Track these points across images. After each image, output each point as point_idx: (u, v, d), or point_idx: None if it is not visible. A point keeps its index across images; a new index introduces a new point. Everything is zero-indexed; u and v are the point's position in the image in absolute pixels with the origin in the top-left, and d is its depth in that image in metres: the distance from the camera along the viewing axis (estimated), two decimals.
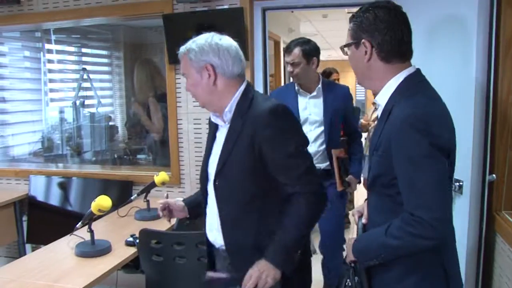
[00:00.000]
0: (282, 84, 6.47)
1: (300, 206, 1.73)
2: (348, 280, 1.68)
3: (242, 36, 3.30)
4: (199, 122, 3.62)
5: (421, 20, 2.45)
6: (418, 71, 1.59)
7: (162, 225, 2.95)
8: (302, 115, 3.15)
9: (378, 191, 1.61)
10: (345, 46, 1.63)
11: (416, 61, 1.62)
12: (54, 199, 4.11)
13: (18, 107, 5.12)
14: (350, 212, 1.83)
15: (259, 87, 3.50)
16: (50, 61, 5.03)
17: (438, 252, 1.49)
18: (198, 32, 3.38)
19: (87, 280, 2.13)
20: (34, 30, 4.69)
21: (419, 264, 1.50)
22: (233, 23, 3.29)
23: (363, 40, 1.54)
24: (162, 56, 3.87)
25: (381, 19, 1.52)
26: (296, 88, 3.19)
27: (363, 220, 1.71)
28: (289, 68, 3.17)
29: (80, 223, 2.57)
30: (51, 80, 5.20)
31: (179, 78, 3.62)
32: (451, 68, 2.38)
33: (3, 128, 5.04)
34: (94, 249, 2.47)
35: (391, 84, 1.55)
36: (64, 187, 4.12)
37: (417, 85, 1.54)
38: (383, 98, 1.58)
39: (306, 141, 1.84)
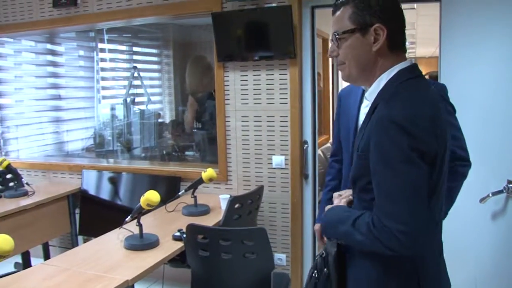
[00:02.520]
0: (331, 83, 6.42)
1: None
2: (315, 271, 1.55)
3: (290, 34, 3.30)
4: (247, 120, 3.64)
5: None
6: (413, 66, 1.42)
7: (209, 220, 3.00)
8: None
9: (357, 195, 1.46)
10: (346, 32, 1.40)
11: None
12: (105, 193, 4.24)
13: (72, 104, 5.31)
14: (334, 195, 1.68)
15: (306, 86, 3.50)
16: (102, 60, 5.18)
17: (414, 265, 1.35)
18: (247, 30, 3.46)
19: (135, 272, 2.19)
20: (88, 30, 4.84)
21: (396, 272, 1.37)
22: (281, 21, 3.30)
23: (375, 26, 1.36)
24: (211, 54, 3.91)
25: (391, 2, 1.39)
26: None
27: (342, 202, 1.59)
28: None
29: (129, 217, 2.65)
30: (103, 78, 5.36)
31: (228, 76, 3.66)
32: None
33: (58, 124, 5.23)
34: (142, 243, 2.54)
35: (383, 78, 1.40)
36: (114, 181, 4.25)
37: (408, 81, 1.37)
38: (373, 94, 1.42)
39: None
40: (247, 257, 2.33)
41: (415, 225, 1.25)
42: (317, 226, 1.64)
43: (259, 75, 3.55)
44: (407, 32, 1.48)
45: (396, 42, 1.39)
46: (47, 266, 2.37)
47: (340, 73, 1.54)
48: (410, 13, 6.33)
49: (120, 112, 5.32)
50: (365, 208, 1.38)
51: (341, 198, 1.59)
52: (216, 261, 2.39)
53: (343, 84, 5.55)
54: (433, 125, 1.29)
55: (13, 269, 4.15)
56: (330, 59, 6.24)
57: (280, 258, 3.64)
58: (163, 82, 5.61)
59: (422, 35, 8.91)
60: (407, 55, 1.46)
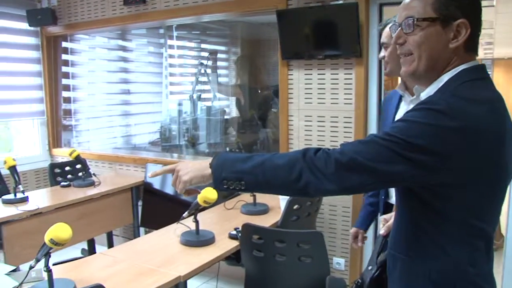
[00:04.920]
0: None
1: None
2: None
3: (356, 32, 3.20)
4: (310, 119, 3.57)
5: None
6: (479, 67, 1.24)
7: (267, 220, 2.97)
8: None
9: (400, 201, 1.32)
10: (426, 19, 1.21)
11: None
12: (167, 187, 4.30)
13: (140, 98, 5.45)
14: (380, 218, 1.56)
15: (372, 86, 3.38)
16: (171, 56, 5.27)
17: None
18: (312, 28, 3.39)
19: (189, 268, 2.20)
20: (158, 27, 4.95)
21: None
22: (347, 19, 3.21)
23: (460, 21, 1.19)
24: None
25: None
26: (401, 92, 2.14)
27: (382, 231, 1.50)
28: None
29: (186, 212, 2.65)
30: (171, 74, 5.46)
31: (292, 74, 3.61)
32: None
33: (127, 118, 5.39)
34: (198, 239, 2.54)
35: (444, 78, 1.23)
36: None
37: (471, 83, 1.19)
38: (428, 95, 1.25)
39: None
40: (302, 261, 2.27)
41: (349, 174, 1.15)
42: (354, 230, 1.55)
43: (324, 74, 3.47)
44: (484, 31, 1.34)
45: (474, 43, 1.25)
46: (106, 256, 2.42)
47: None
48: (488, 10, 5.99)
49: (187, 107, 5.40)
50: (413, 217, 1.26)
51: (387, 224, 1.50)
52: (270, 262, 2.35)
53: None
54: (476, 138, 1.11)
55: (80, 255, 4.32)
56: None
57: (339, 262, 3.55)
58: (230, 79, 5.65)
59: (501, 35, 8.43)
60: (484, 55, 1.32)
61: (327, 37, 3.38)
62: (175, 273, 2.12)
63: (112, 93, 5.32)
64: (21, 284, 1.93)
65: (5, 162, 3.60)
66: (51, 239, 1.80)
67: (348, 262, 3.54)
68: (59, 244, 1.81)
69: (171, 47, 5.21)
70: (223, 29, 5.24)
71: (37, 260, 1.87)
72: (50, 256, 1.87)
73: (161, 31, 5.13)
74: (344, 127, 3.43)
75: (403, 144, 1.11)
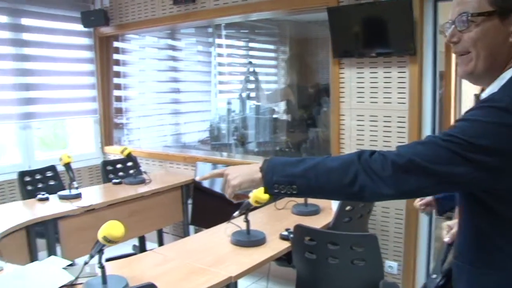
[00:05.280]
0: (453, 83, 5.99)
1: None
2: None
3: (410, 29, 3.10)
4: (362, 119, 3.50)
5: None
6: None
7: (318, 221, 2.92)
8: None
9: (466, 206, 1.22)
10: (481, 14, 1.13)
11: None
12: (217, 186, 4.30)
13: (190, 97, 5.50)
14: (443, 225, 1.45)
15: (427, 85, 3.27)
16: (220, 55, 5.29)
17: None
18: (364, 25, 3.31)
19: (240, 268, 2.18)
20: (207, 26, 4.97)
21: None
22: (401, 16, 3.11)
23: None
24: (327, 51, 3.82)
25: None
26: None
27: (446, 238, 1.41)
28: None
29: (237, 212, 2.64)
30: (220, 73, 5.48)
31: (343, 73, 3.54)
32: None
33: (176, 117, 5.45)
34: (248, 239, 2.52)
35: (506, 76, 1.14)
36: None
37: None
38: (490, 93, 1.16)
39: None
40: (355, 264, 2.22)
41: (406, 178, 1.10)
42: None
43: (376, 72, 3.39)
44: None
45: None
46: (157, 254, 2.44)
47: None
48: None
49: (236, 106, 5.41)
50: (476, 224, 1.18)
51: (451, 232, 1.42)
52: (322, 265, 2.30)
53: (467, 86, 5.15)
54: None
55: (131, 251, 4.40)
56: (453, 58, 5.83)
57: (391, 266, 3.46)
58: (279, 78, 5.62)
59: None
60: None
61: (379, 35, 3.29)
62: (226, 273, 2.11)
63: (162, 92, 5.39)
64: (76, 278, 1.97)
65: (61, 159, 3.70)
66: (104, 236, 1.83)
67: (401, 266, 3.44)
68: (112, 241, 1.83)
69: (219, 46, 5.23)
70: (271, 27, 5.22)
71: (91, 256, 1.91)
72: (103, 253, 1.90)
73: (210, 30, 5.15)
74: (398, 127, 3.33)
75: (464, 145, 1.05)
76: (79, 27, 4.88)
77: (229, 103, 5.50)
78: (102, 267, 1.90)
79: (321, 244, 2.31)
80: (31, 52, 4.61)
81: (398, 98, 3.31)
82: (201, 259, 2.32)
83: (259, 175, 1.27)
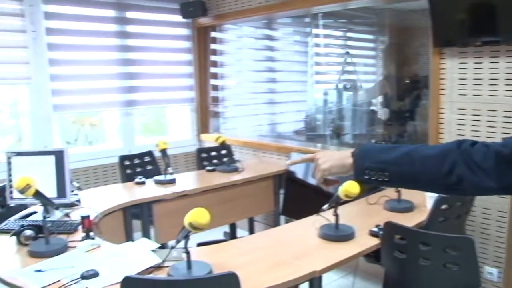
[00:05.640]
0: None
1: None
2: None
3: None
4: (464, 113, 3.28)
5: None
6: None
7: (411, 219, 2.79)
8: None
9: None
10: None
11: None
12: (310, 177, 4.26)
13: (286, 87, 5.50)
14: None
15: None
16: (317, 45, 5.23)
17: None
18: (468, 11, 3.08)
19: (326, 263, 2.13)
20: (303, 16, 4.92)
21: None
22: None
23: None
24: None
25: None
26: None
27: None
28: None
29: (326, 205, 2.59)
30: (317, 63, 5.42)
31: (444, 63, 3.34)
32: None
33: (272, 107, 5.47)
34: (336, 233, 2.46)
35: None
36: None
37: None
38: None
39: None
40: (448, 268, 2.09)
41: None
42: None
43: (481, 63, 3.15)
44: None
45: None
46: (244, 243, 2.46)
47: None
48: None
49: (332, 97, 5.34)
50: None
51: None
52: (412, 266, 2.19)
53: None
54: None
55: (222, 237, 4.50)
56: None
57: (491, 272, 3.22)
58: (378, 68, 5.45)
59: None
60: None
61: (486, 21, 3.04)
62: (310, 266, 2.07)
63: (258, 82, 5.43)
64: (163, 261, 2.03)
65: (157, 145, 3.86)
66: (190, 223, 1.86)
67: (502, 273, 3.20)
68: (197, 228, 1.87)
69: (317, 36, 5.16)
70: (369, 17, 5.05)
71: (178, 241, 1.96)
72: (189, 239, 1.94)
73: (307, 19, 5.10)
74: (504, 122, 3.08)
75: None
76: (178, 18, 5.04)
77: (325, 93, 5.44)
78: (187, 252, 1.94)
79: (412, 243, 2.19)
80: (134, 43, 4.85)
81: (506, 91, 3.05)
82: (287, 250, 2.30)
83: (350, 160, 1.23)
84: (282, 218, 4.43)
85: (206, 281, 1.65)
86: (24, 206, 2.90)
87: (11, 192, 2.63)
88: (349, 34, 5.31)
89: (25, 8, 4.17)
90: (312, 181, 4.19)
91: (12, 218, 2.74)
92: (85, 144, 5.06)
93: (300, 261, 2.16)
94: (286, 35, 5.40)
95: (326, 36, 5.26)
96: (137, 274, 1.85)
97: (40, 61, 4.30)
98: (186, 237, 1.94)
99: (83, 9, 4.52)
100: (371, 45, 5.54)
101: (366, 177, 1.19)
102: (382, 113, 5.00)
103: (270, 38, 5.37)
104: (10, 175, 2.72)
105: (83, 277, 1.90)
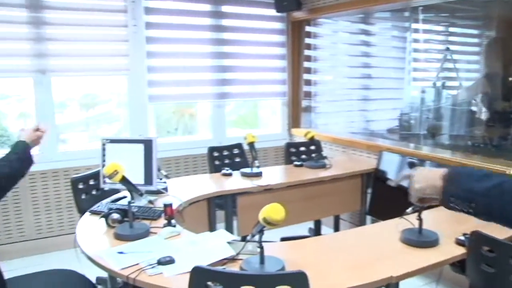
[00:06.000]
0: None
1: None
2: None
3: None
4: None
5: None
6: None
7: (504, 230, 2.57)
8: None
9: None
10: None
11: None
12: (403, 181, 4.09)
13: (381, 84, 5.33)
14: None
15: None
16: (415, 41, 5.01)
17: None
18: None
19: (404, 269, 2.03)
20: (402, 10, 4.73)
21: None
22: None
23: None
24: None
25: None
26: None
27: None
28: None
29: (410, 208, 2.47)
30: (415, 60, 5.19)
31: None
32: None
33: (365, 103, 5.34)
34: (419, 239, 2.34)
35: None
36: (413, 167, 4.03)
37: None
38: None
39: None
40: None
41: None
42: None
43: None
44: None
45: None
46: (322, 241, 2.42)
47: None
48: None
49: (430, 95, 5.09)
50: None
51: None
52: (501, 282, 2.02)
53: None
54: None
55: (306, 233, 4.48)
56: None
57: None
58: (481, 66, 5.11)
59: None
60: None
61: None
62: (387, 271, 1.99)
63: (352, 77, 5.32)
64: (237, 254, 2.05)
65: (245, 138, 3.90)
66: (264, 218, 1.86)
67: None
68: (271, 224, 1.86)
69: (416, 31, 4.94)
70: (474, 10, 4.73)
71: (253, 235, 1.96)
72: (263, 233, 1.93)
73: (406, 14, 4.89)
74: None
75: None
76: (272, 12, 5.06)
77: (423, 91, 5.19)
78: (261, 247, 1.94)
79: (502, 257, 2.02)
80: (228, 36, 4.95)
81: None
82: (366, 252, 2.23)
83: (441, 183, 1.19)
84: (369, 218, 4.31)
85: (273, 277, 1.63)
86: (117, 190, 3.06)
87: (104, 176, 2.79)
88: (451, 29, 5.02)
89: (127, 4, 4.43)
90: (403, 183, 4.02)
91: (104, 201, 2.91)
92: (185, 134, 5.26)
93: (378, 264, 2.08)
94: (383, 30, 5.22)
95: (425, 31, 5.01)
96: (209, 265, 1.88)
97: (138, 54, 4.54)
98: (261, 232, 1.94)
99: (180, 3, 4.69)
100: (474, 40, 5.20)
101: (451, 204, 1.15)
102: (482, 114, 4.68)
103: (366, 33, 5.23)
104: (104, 161, 2.90)
105: (159, 262, 1.97)
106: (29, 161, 2.29)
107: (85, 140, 4.76)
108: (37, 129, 2.44)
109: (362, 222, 4.32)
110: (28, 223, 4.32)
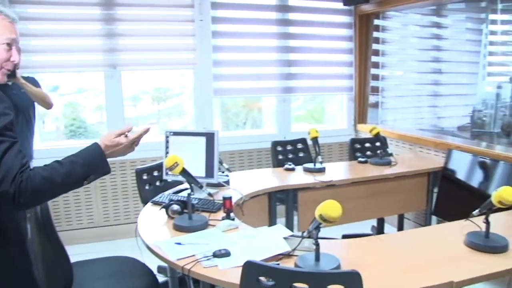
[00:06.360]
0: None
1: None
2: None
3: None
4: None
5: None
6: None
7: None
8: None
9: None
10: None
11: None
12: (470, 178, 3.91)
13: (452, 79, 5.13)
14: None
15: None
16: (492, 33, 4.77)
17: None
18: None
19: (466, 275, 1.92)
20: (479, 0, 4.52)
21: None
22: None
23: None
24: None
25: None
26: None
27: None
28: None
29: (477, 210, 2.36)
30: (490, 53, 4.95)
31: None
32: None
33: (435, 99, 5.16)
34: (485, 243, 2.21)
35: None
36: (484, 167, 3.85)
37: None
38: None
39: None
40: None
41: None
42: None
43: None
44: None
45: None
46: (383, 241, 2.35)
47: None
48: None
49: (506, 91, 4.85)
50: None
51: None
52: None
53: None
54: None
55: (369, 231, 4.40)
56: None
57: None
58: None
59: None
60: None
61: None
62: (448, 276, 1.90)
63: (422, 72, 5.14)
64: (293, 250, 2.03)
65: (309, 133, 3.87)
66: (320, 214, 1.84)
67: None
68: (327, 221, 1.84)
69: (493, 22, 4.70)
70: None
71: (309, 232, 1.94)
72: (319, 230, 1.91)
73: (483, 4, 4.66)
74: None
75: None
76: (340, 5, 4.97)
77: (499, 87, 4.94)
78: (317, 244, 1.92)
79: None
80: (294, 30, 4.93)
81: None
82: (427, 254, 2.14)
83: None
84: (434, 218, 4.16)
85: (325, 276, 1.60)
86: (179, 182, 3.14)
87: (165, 168, 2.86)
88: None
89: None
90: (474, 182, 3.84)
91: (166, 192, 2.99)
92: (253, 128, 5.31)
93: (438, 268, 1.99)
94: (456, 22, 5.01)
95: (504, 22, 4.75)
96: (263, 260, 1.88)
97: (205, 48, 4.63)
98: (317, 228, 1.92)
99: None
100: None
101: None
102: None
103: (438, 25, 5.03)
104: (167, 152, 2.97)
105: (215, 255, 1.99)
106: (91, 168, 1.68)
107: (155, 133, 4.92)
108: (124, 135, 1.83)
109: (427, 222, 4.17)
110: (97, 210, 4.53)
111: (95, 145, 1.75)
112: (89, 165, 1.67)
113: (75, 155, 1.68)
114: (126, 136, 1.83)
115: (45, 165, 1.61)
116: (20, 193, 1.51)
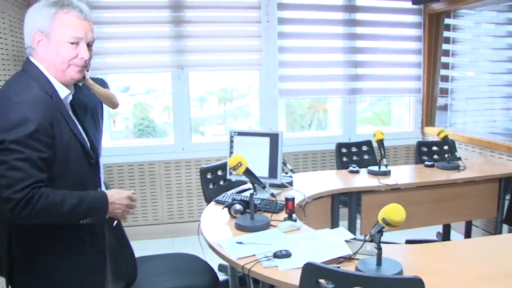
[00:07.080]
0: None
1: None
2: None
3: None
4: None
5: None
6: None
7: None
8: None
9: None
10: None
11: None
12: None
13: None
14: None
15: None
16: None
17: None
18: None
19: None
20: None
21: None
22: None
23: None
24: None
25: None
26: None
27: None
28: None
29: None
30: None
31: None
32: None
33: (509, 101, 4.94)
34: None
35: None
36: None
37: None
38: None
39: None
40: None
41: None
42: None
43: None
44: None
45: None
46: (450, 248, 2.26)
47: None
48: None
49: None
50: None
51: None
52: None
53: None
54: None
55: (434, 238, 4.27)
56: None
57: None
58: None
59: None
60: None
61: None
62: None
63: (496, 73, 4.92)
64: (354, 254, 2.01)
65: (374, 135, 3.81)
66: (383, 218, 1.82)
67: None
68: (390, 225, 1.81)
69: None
70: None
71: (371, 236, 1.91)
72: (382, 234, 1.88)
73: None
74: None
75: None
76: (408, 4, 4.84)
77: None
78: (379, 249, 1.89)
79: None
80: (360, 31, 4.86)
81: None
82: (495, 265, 2.05)
83: None
84: (505, 227, 3.97)
85: (385, 281, 1.58)
86: (243, 182, 3.18)
87: (229, 168, 2.90)
88: None
89: (261, 0, 4.56)
90: None
91: (229, 192, 3.04)
92: (318, 129, 5.30)
93: (507, 281, 1.90)
94: None
95: None
96: (324, 262, 1.87)
97: (270, 49, 4.67)
98: (379, 232, 1.89)
99: None
100: None
101: None
102: None
103: None
104: (231, 152, 3.02)
105: (276, 255, 2.00)
106: (92, 212, 1.71)
107: (221, 133, 5.01)
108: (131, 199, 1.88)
109: (497, 231, 3.98)
110: (162, 208, 4.66)
111: (104, 195, 1.77)
112: (92, 210, 1.70)
113: (84, 194, 1.69)
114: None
115: (57, 190, 1.61)
116: (26, 205, 1.51)
